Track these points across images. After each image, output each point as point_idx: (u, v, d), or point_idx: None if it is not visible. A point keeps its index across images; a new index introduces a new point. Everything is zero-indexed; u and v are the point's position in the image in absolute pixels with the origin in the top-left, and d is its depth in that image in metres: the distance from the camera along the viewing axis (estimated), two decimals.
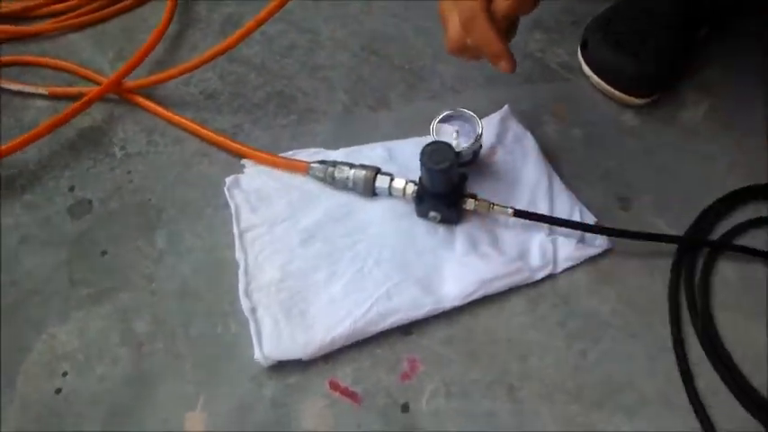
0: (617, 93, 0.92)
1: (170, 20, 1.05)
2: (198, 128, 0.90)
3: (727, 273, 0.75)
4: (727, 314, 0.72)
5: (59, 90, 0.98)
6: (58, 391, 0.69)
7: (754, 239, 0.77)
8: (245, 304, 0.71)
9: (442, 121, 0.80)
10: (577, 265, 0.76)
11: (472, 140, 0.78)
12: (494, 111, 0.89)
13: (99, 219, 0.83)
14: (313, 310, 0.70)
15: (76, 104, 0.90)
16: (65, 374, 0.70)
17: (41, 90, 0.98)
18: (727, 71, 0.94)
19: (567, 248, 0.76)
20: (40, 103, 0.98)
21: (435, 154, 0.72)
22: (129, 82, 0.96)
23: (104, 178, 0.87)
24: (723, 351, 0.69)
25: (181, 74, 0.94)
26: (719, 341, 0.69)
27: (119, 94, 0.97)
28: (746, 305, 0.73)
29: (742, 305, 0.73)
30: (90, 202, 0.85)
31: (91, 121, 0.95)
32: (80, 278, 0.77)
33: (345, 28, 1.06)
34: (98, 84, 0.97)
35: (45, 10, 1.15)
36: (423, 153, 0.72)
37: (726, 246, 0.76)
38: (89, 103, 0.91)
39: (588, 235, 0.77)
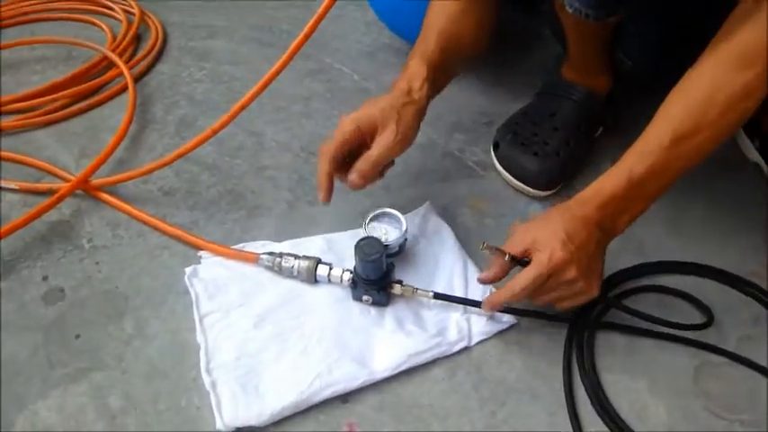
0: (524, 187, 1.06)
1: (130, 122, 1.15)
2: (158, 223, 1.00)
3: (615, 339, 0.87)
4: (614, 375, 0.83)
5: (30, 186, 1.08)
6: None
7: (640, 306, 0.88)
8: (206, 380, 0.80)
9: (373, 219, 0.93)
10: (488, 338, 0.87)
11: (398, 235, 0.91)
12: (418, 206, 1.02)
13: (71, 305, 0.91)
14: (265, 383, 0.80)
15: (49, 201, 0.99)
16: None
17: (12, 185, 1.07)
18: None
19: (480, 325, 0.88)
20: (10, 197, 1.07)
21: (367, 247, 0.85)
22: (95, 180, 1.06)
23: (74, 268, 0.96)
24: (610, 406, 0.80)
25: (143, 174, 1.05)
26: (606, 398, 0.81)
27: (85, 191, 1.06)
28: (630, 367, 0.84)
29: (627, 367, 0.84)
30: (62, 290, 0.93)
31: (60, 216, 1.03)
32: (57, 359, 0.85)
33: (288, 131, 1.19)
34: (66, 180, 1.07)
35: (10, 107, 1.24)
36: (356, 247, 0.85)
37: (598, 324, 0.88)
38: (60, 200, 1.01)
39: (497, 312, 0.88)
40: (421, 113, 0.90)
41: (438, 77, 0.92)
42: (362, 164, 0.86)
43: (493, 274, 0.84)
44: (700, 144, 0.75)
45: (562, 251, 0.75)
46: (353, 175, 0.86)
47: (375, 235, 0.89)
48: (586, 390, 0.82)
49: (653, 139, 0.76)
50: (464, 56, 0.98)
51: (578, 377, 0.84)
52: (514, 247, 0.81)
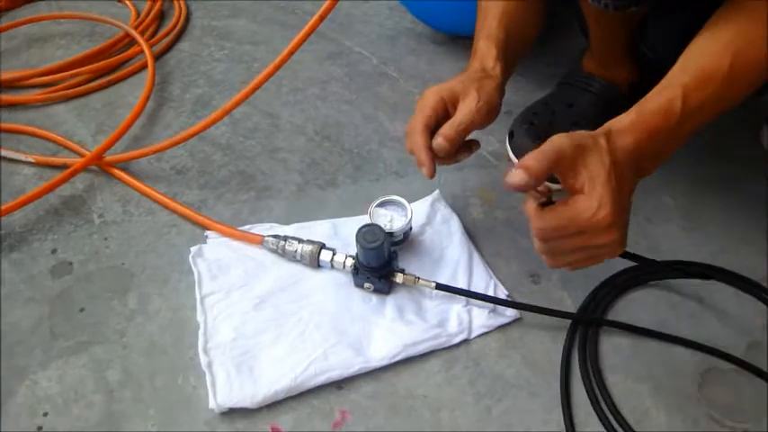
0: None
1: (147, 99, 1.16)
2: (168, 201, 1.01)
3: (620, 339, 0.85)
4: (616, 376, 0.81)
5: (46, 159, 1.09)
6: (39, 428, 0.77)
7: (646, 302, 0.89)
8: (202, 359, 0.80)
9: (378, 206, 0.92)
10: (489, 332, 0.86)
11: (403, 224, 0.90)
12: (428, 193, 1.01)
13: (78, 279, 0.92)
14: (260, 366, 0.80)
15: (62, 175, 1.00)
16: (45, 414, 0.78)
17: (29, 158, 1.08)
18: None
19: (481, 318, 0.86)
20: (26, 169, 1.08)
21: (368, 234, 0.84)
22: (109, 156, 1.06)
23: (84, 243, 0.97)
24: (610, 409, 0.78)
25: (155, 152, 1.05)
26: (607, 401, 0.79)
27: (99, 167, 1.07)
28: (634, 368, 0.82)
29: (630, 368, 0.82)
30: (70, 263, 0.94)
31: (72, 190, 1.05)
32: (60, 331, 0.86)
33: (303, 113, 1.19)
34: (81, 155, 1.08)
35: (33, 81, 1.26)
36: (358, 233, 0.84)
37: (602, 321, 0.87)
38: (73, 174, 1.02)
39: (500, 306, 0.87)
40: (501, 89, 0.88)
41: (506, 58, 0.90)
42: (446, 128, 0.83)
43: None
44: (749, 82, 0.71)
45: (612, 210, 0.65)
46: (439, 139, 0.82)
47: (380, 222, 0.89)
48: (586, 390, 0.81)
49: (711, 65, 0.71)
50: (524, 38, 0.96)
51: (579, 376, 0.82)
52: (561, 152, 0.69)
